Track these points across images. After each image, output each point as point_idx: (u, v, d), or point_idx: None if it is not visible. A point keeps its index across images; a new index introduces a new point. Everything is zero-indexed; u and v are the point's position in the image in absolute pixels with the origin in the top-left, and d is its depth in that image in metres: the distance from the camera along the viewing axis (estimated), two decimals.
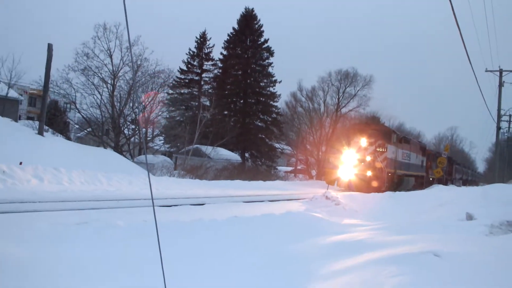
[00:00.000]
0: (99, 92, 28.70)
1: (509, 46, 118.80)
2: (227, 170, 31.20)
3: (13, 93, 34.44)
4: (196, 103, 38.84)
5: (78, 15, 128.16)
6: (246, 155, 41.41)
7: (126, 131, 30.87)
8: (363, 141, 21.04)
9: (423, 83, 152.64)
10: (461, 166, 52.25)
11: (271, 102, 42.05)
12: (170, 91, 36.86)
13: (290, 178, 41.88)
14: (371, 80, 45.80)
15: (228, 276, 5.05)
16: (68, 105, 37.35)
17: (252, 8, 41.87)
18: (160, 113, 33.41)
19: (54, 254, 4.94)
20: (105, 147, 28.07)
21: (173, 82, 36.74)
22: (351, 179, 20.68)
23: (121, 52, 28.55)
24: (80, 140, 35.72)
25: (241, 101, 41.73)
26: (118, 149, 28.25)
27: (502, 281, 3.71)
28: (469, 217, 8.17)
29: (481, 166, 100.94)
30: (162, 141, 38.40)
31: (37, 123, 24.25)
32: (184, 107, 39.33)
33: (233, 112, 41.31)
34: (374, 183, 20.14)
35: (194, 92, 41.70)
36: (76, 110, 30.20)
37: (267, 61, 41.78)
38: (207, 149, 33.84)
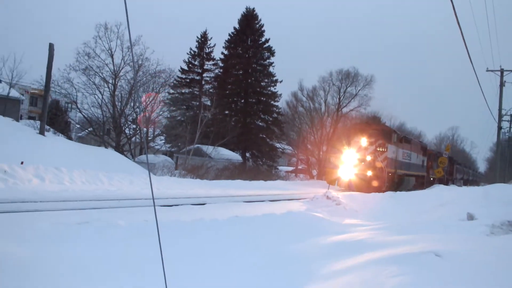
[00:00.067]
0: (100, 92, 28.76)
1: (510, 46, 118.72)
2: (228, 170, 31.22)
3: (14, 93, 34.44)
4: (197, 103, 38.86)
5: (79, 15, 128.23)
6: (247, 154, 41.42)
7: (127, 131, 30.90)
8: (364, 140, 20.98)
9: (424, 83, 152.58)
10: (462, 166, 52.20)
11: (272, 102, 42.06)
12: (171, 91, 36.90)
13: (291, 178, 41.88)
14: (372, 80, 45.87)
15: (229, 276, 5.06)
16: (69, 105, 37.33)
17: (253, 8, 41.93)
18: (161, 112, 33.49)
19: (55, 253, 4.95)
20: (106, 147, 28.10)
21: (174, 81, 36.79)
22: (351, 179, 20.64)
23: (122, 52, 28.63)
24: (81, 139, 35.73)
25: (242, 101, 41.74)
26: (119, 148, 28.28)
27: (503, 281, 3.71)
28: (470, 217, 8.17)
29: (482, 166, 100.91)
30: (163, 141, 38.42)
31: (38, 122, 24.27)
32: (185, 107, 39.35)
33: (234, 112, 41.33)
34: (375, 183, 20.11)
35: (195, 92, 41.72)
36: (77, 110, 30.22)
37: (268, 60, 41.81)
38: (208, 149, 33.85)
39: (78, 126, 36.31)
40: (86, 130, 33.72)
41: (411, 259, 4.39)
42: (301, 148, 46.29)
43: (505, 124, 40.37)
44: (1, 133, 16.78)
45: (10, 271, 4.30)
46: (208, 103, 37.14)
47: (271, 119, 41.62)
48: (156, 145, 37.26)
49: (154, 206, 3.79)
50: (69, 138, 32.09)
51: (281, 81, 41.71)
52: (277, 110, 42.51)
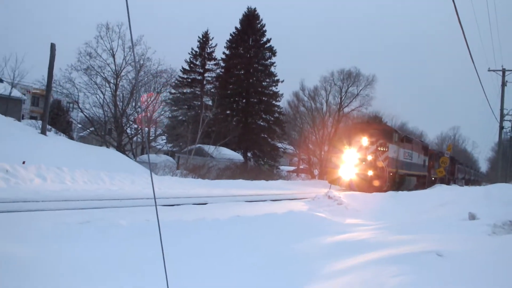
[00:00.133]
0: (101, 92, 28.80)
1: None
2: (230, 169, 31.23)
3: (16, 93, 34.51)
4: (199, 103, 38.90)
5: (80, 15, 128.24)
6: (249, 154, 41.43)
7: (128, 131, 30.94)
8: (364, 140, 20.92)
9: (425, 83, 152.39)
10: (463, 165, 52.12)
11: (274, 102, 42.06)
12: (173, 91, 36.93)
13: (293, 177, 41.90)
14: (373, 80, 45.92)
15: (230, 275, 5.07)
16: (71, 105, 37.44)
17: (255, 8, 41.94)
18: (162, 112, 33.51)
19: (56, 253, 4.96)
20: (107, 147, 28.16)
21: (176, 81, 36.82)
22: (352, 179, 20.59)
23: (124, 52, 28.66)
24: (82, 139, 35.76)
25: (244, 101, 41.74)
26: (120, 148, 28.32)
27: (504, 281, 3.70)
28: (472, 217, 8.15)
29: (483, 166, 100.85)
30: (165, 141, 38.47)
31: (40, 122, 24.35)
32: (186, 107, 39.39)
33: (236, 112, 41.34)
34: (376, 183, 20.07)
35: (197, 92, 41.75)
36: (79, 110, 30.31)
37: (269, 60, 41.82)
38: (210, 149, 33.87)
39: (79, 126, 36.43)
40: (88, 130, 33.79)
41: (412, 259, 4.39)
42: (303, 148, 46.29)
43: (507, 124, 40.23)
44: (3, 132, 16.81)
45: (12, 271, 4.31)
46: (210, 103, 37.20)
47: (272, 119, 41.62)
48: (157, 145, 37.31)
49: (156, 205, 3.79)
50: (71, 138, 32.11)
51: (282, 81, 41.76)
52: (278, 110, 42.51)
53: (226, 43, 42.04)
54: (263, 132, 41.38)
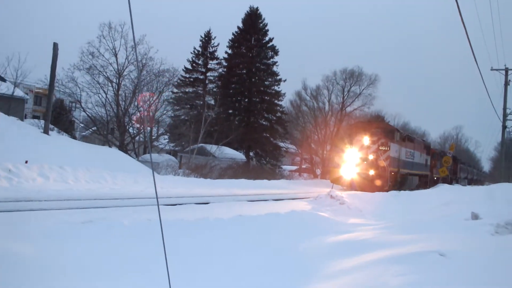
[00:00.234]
0: (104, 91, 28.77)
1: None
2: (232, 169, 31.23)
3: (19, 92, 34.54)
4: (201, 102, 38.84)
5: (83, 15, 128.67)
6: (251, 154, 41.39)
7: (131, 130, 30.97)
8: (366, 139, 20.84)
9: (428, 82, 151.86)
10: (466, 165, 52.03)
11: (276, 101, 41.99)
12: (175, 90, 36.90)
13: (295, 177, 41.87)
14: (376, 79, 45.77)
15: (232, 274, 5.06)
16: (74, 104, 37.43)
17: (257, 7, 41.84)
18: (165, 112, 33.50)
19: (59, 252, 4.97)
20: (110, 146, 28.16)
21: (178, 81, 36.78)
22: (354, 178, 20.52)
23: (126, 51, 28.60)
24: (85, 139, 35.82)
25: (246, 100, 41.71)
26: (123, 148, 28.34)
27: (507, 280, 3.69)
28: (475, 217, 8.13)
29: (486, 166, 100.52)
30: (167, 140, 38.46)
31: (42, 122, 24.36)
32: (189, 106, 39.38)
33: (238, 111, 41.32)
34: (377, 182, 20.00)
35: (199, 91, 41.72)
36: (81, 109, 30.27)
37: (271, 60, 41.73)
38: (212, 148, 33.86)
39: (82, 125, 36.43)
40: (90, 129, 33.82)
41: (415, 258, 4.38)
42: (305, 147, 46.23)
43: (510, 123, 40.03)
44: (6, 132, 16.84)
45: (14, 270, 4.32)
46: (212, 102, 37.14)
47: (274, 118, 41.57)
48: (160, 144, 37.32)
49: (158, 205, 3.79)
50: (73, 137, 32.19)
51: (284, 80, 41.69)
52: (280, 109, 42.44)
53: (229, 42, 42.01)
54: (266, 132, 41.32)
